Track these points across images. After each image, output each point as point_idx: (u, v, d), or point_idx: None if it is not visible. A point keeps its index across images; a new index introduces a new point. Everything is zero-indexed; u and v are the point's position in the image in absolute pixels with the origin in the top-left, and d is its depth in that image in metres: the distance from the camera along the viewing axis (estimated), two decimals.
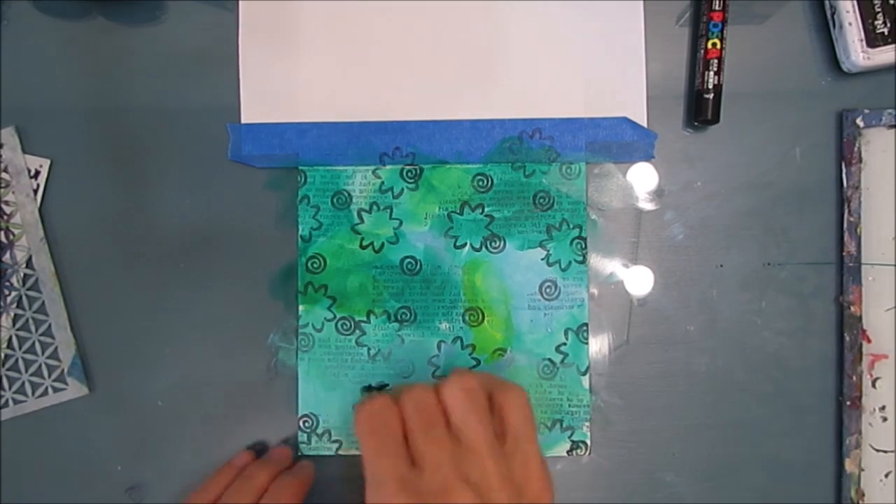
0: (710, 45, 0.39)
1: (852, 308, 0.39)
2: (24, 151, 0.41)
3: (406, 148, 0.41)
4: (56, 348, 0.41)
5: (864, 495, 0.39)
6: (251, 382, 0.41)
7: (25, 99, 0.41)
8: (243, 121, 0.41)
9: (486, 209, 0.41)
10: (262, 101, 0.41)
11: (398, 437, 0.31)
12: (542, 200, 0.41)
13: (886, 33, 0.38)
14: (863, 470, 0.39)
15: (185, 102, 0.41)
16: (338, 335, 0.41)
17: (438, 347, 0.41)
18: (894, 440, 0.39)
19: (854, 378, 0.39)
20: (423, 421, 0.31)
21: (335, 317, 0.41)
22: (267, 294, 0.41)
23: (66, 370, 0.41)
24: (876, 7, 0.38)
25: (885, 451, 0.39)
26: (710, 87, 0.39)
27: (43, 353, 0.41)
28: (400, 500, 0.29)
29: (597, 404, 0.40)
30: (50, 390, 0.41)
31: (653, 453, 0.40)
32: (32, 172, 0.41)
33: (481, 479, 0.30)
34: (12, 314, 0.41)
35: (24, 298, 0.41)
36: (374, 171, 0.41)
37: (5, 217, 0.41)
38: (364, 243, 0.41)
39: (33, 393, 0.41)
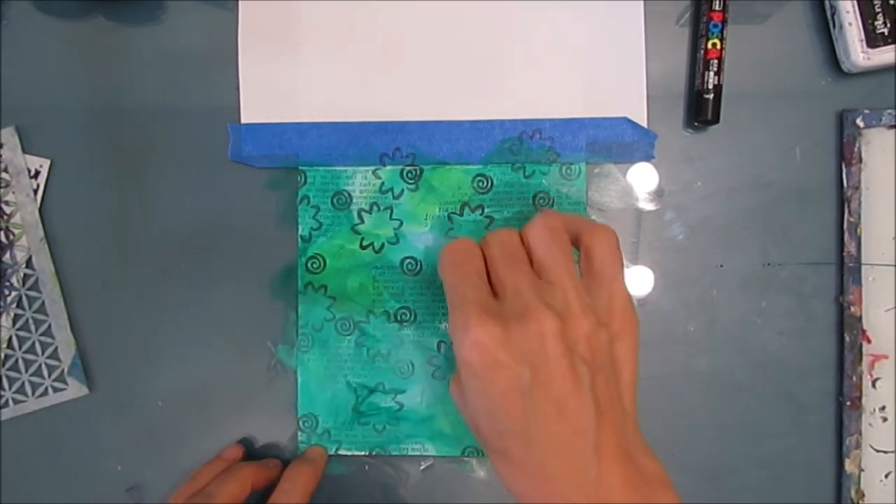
0: (710, 45, 0.39)
1: (852, 308, 0.39)
2: (24, 151, 0.41)
3: (406, 148, 0.41)
4: (56, 348, 0.41)
5: (864, 496, 0.39)
6: (251, 382, 0.41)
7: (25, 99, 0.41)
8: (243, 121, 0.41)
9: (486, 210, 0.41)
10: (262, 101, 0.41)
11: (480, 271, 0.31)
12: (542, 201, 0.41)
13: (886, 33, 0.38)
14: (863, 470, 0.39)
15: (185, 102, 0.41)
16: (337, 335, 0.41)
17: (438, 348, 0.41)
18: (894, 440, 0.39)
19: (854, 378, 0.39)
20: (505, 255, 0.31)
21: (335, 317, 0.41)
22: (267, 294, 0.41)
23: (66, 370, 0.41)
24: (876, 7, 0.38)
25: (885, 452, 0.39)
26: (710, 87, 0.39)
27: (43, 353, 0.41)
28: (481, 320, 0.29)
29: None
30: (50, 390, 0.41)
31: None
32: (32, 172, 0.41)
33: (563, 306, 0.30)
34: (12, 314, 0.41)
35: (24, 298, 0.41)
36: (374, 172, 0.41)
37: (5, 217, 0.41)
38: (364, 243, 0.41)
39: (33, 393, 0.41)
